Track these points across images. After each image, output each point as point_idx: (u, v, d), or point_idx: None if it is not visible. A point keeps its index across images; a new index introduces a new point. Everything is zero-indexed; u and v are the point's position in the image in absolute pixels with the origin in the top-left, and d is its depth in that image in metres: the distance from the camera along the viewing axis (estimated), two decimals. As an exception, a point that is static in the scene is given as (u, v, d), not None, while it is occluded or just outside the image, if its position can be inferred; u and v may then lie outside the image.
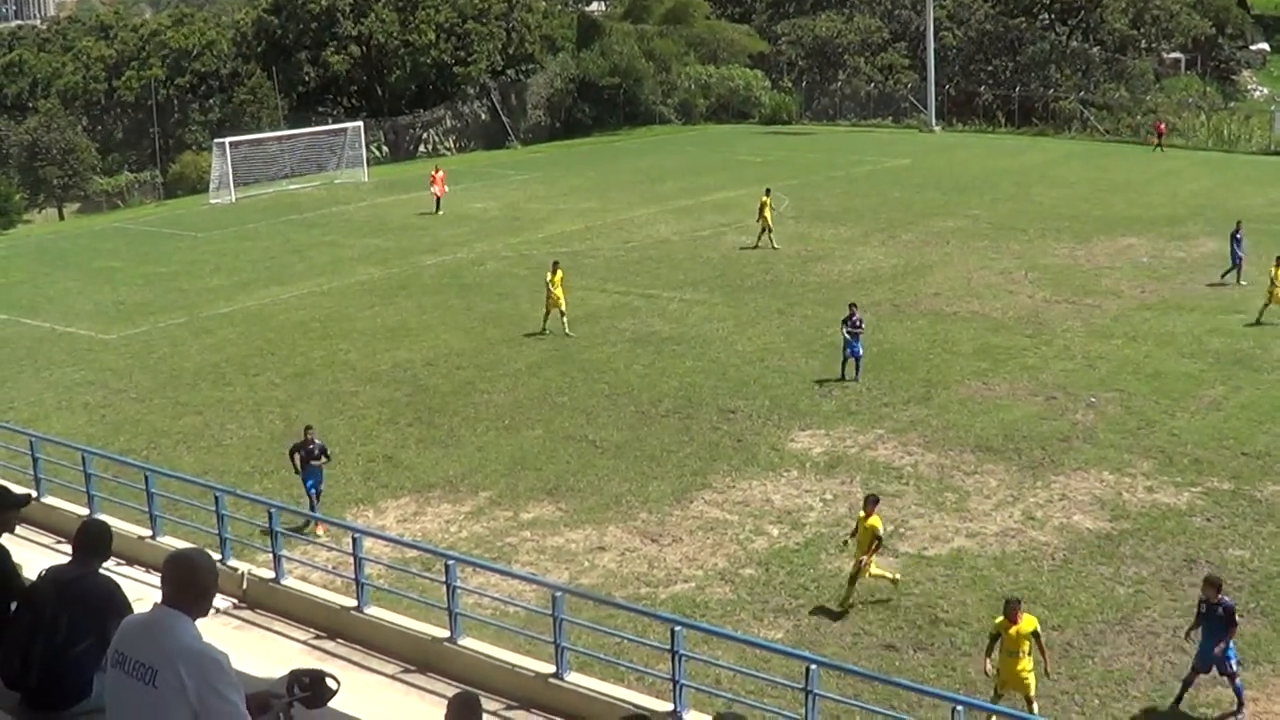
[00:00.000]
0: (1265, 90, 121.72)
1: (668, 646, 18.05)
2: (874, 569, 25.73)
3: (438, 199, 72.13)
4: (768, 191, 60.91)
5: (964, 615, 25.54)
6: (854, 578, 25.75)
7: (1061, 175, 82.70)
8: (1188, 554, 28.33)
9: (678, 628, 18.13)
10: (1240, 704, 21.78)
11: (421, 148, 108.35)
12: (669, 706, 17.85)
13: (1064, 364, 41.70)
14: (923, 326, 46.16)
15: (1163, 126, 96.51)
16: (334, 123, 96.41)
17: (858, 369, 39.75)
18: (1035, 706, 21.55)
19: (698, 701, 18.52)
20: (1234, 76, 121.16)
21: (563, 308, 45.13)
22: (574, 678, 18.80)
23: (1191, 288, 51.70)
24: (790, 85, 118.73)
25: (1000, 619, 21.58)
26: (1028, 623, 21.40)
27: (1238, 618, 21.99)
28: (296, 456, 30.70)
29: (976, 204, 71.54)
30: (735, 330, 46.22)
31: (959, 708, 16.08)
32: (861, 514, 25.90)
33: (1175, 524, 29.86)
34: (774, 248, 58.92)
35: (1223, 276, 51.02)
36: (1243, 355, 42.45)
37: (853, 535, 26.31)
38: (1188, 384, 39.59)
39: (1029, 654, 21.42)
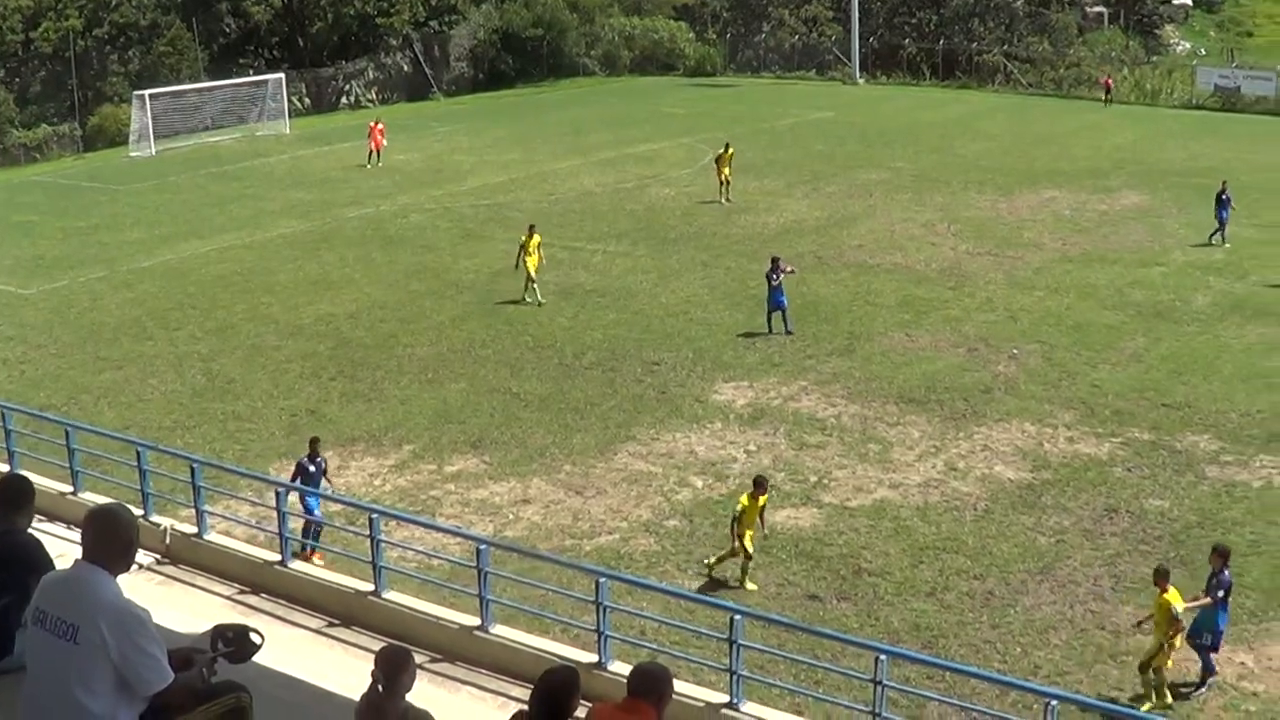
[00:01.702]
0: (1187, 44, 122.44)
1: (592, 598, 18.05)
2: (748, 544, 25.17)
3: (375, 151, 71.55)
4: (727, 146, 60.52)
5: (887, 565, 25.69)
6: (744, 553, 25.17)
7: (985, 128, 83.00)
8: (1108, 504, 28.61)
9: (602, 579, 18.12)
10: (1209, 673, 21.83)
11: (344, 100, 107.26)
12: (594, 658, 17.85)
13: (986, 316, 41.95)
14: (846, 278, 46.29)
15: (1109, 81, 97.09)
16: (255, 74, 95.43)
17: (785, 320, 39.76)
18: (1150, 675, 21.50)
19: (622, 652, 18.52)
20: (1156, 31, 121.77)
21: (532, 274, 43.77)
22: (499, 630, 18.76)
23: (1114, 240, 52.06)
24: (714, 37, 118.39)
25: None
26: (1170, 596, 21.11)
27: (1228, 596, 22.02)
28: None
29: (900, 157, 71.72)
30: (659, 283, 46.20)
31: (882, 657, 16.15)
32: (748, 497, 25.19)
33: (1096, 474, 30.14)
34: (726, 201, 58.80)
35: (1210, 238, 51.13)
36: (1164, 307, 42.83)
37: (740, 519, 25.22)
38: (1109, 336, 39.91)
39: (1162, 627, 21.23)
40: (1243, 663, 22.20)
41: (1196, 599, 21.68)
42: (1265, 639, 22.56)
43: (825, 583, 25.20)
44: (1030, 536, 27.00)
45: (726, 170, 58.77)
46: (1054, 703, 15.06)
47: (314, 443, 27.02)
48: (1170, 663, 21.42)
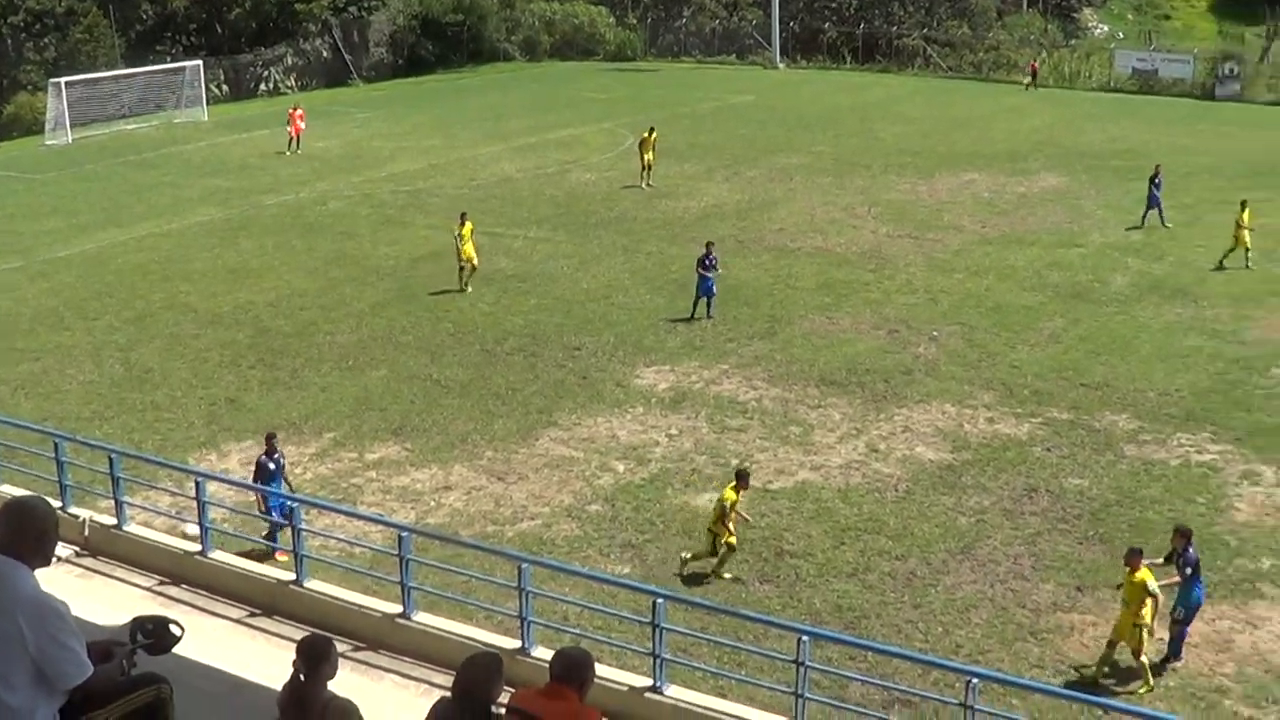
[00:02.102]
0: (1105, 28, 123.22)
1: (515, 584, 18.06)
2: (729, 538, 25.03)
3: (294, 138, 71.06)
4: (650, 129, 60.43)
5: (809, 547, 25.80)
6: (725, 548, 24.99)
7: (904, 111, 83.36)
8: (1028, 483, 28.85)
9: (524, 565, 18.14)
10: (1175, 655, 22.00)
11: (262, 86, 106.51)
12: (517, 643, 17.87)
13: (906, 298, 42.18)
14: (767, 262, 46.40)
15: (1036, 65, 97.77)
16: (173, 61, 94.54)
17: (709, 306, 39.82)
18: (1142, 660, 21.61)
19: (545, 638, 18.56)
20: (1075, 14, 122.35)
21: (475, 262, 43.43)
22: (421, 617, 18.75)
23: (1032, 222, 52.44)
24: (635, 22, 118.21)
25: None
26: (1143, 575, 21.27)
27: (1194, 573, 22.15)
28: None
29: (820, 140, 71.95)
30: (580, 267, 46.16)
31: (804, 638, 16.24)
32: (732, 490, 24.95)
33: (1016, 454, 30.39)
34: (647, 186, 58.73)
35: (1143, 220, 51.50)
36: (1082, 288, 43.20)
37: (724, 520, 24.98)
38: (1028, 317, 40.22)
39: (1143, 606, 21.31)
40: (1161, 638, 22.41)
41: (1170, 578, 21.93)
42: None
43: (747, 565, 25.26)
44: (951, 517, 27.18)
45: (650, 154, 58.71)
46: (975, 680, 15.20)
47: (270, 439, 26.18)
48: (1148, 643, 21.63)
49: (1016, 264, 46.09)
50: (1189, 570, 21.75)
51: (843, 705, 19.65)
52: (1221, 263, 45.15)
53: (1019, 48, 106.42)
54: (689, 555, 25.17)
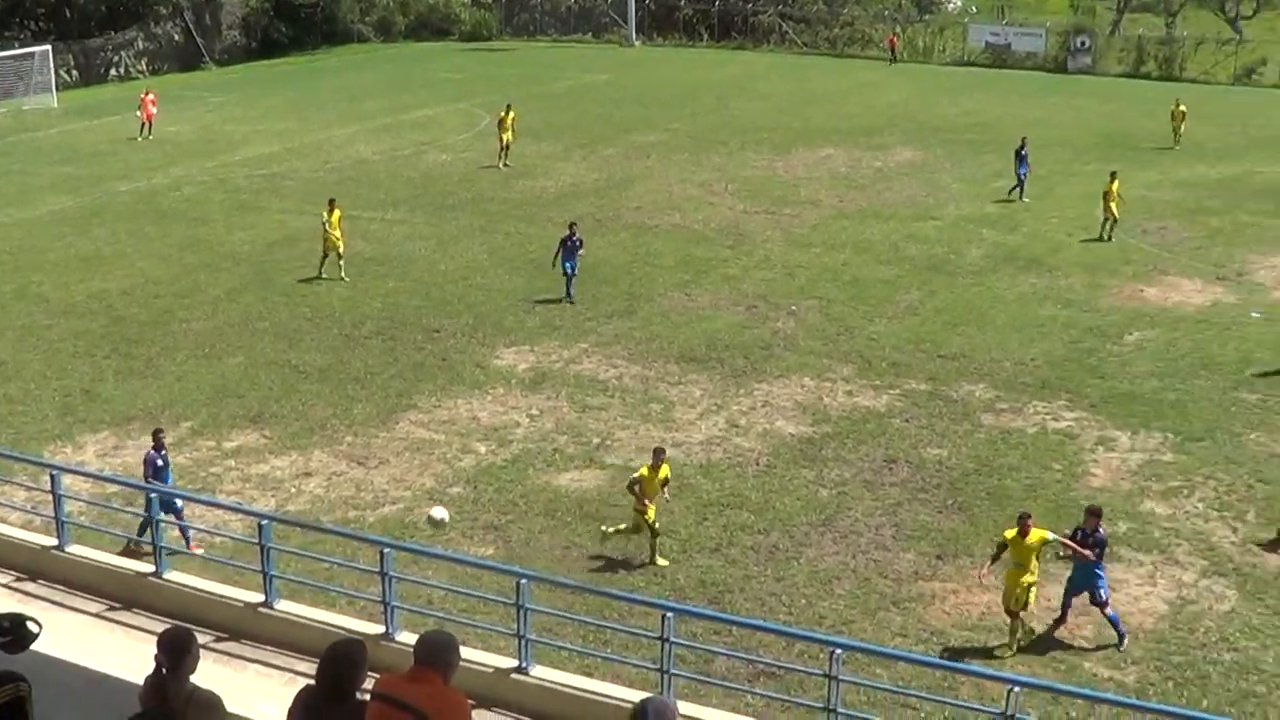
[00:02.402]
0: (959, 2, 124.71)
1: (378, 569, 18.00)
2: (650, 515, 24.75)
3: (146, 123, 69.92)
4: (508, 108, 60.16)
5: (672, 524, 25.84)
6: (648, 529, 24.78)
7: (761, 88, 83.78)
8: (888, 454, 29.19)
9: (386, 550, 18.09)
10: (1121, 636, 22.15)
11: (113, 71, 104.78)
12: (380, 629, 17.83)
13: (764, 273, 42.44)
14: (625, 240, 46.47)
15: (894, 41, 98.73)
16: (20, 47, 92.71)
17: (569, 287, 39.68)
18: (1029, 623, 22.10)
19: (409, 622, 18.52)
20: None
21: (340, 249, 42.43)
22: (284, 605, 18.65)
23: (888, 196, 53.01)
24: (490, 1, 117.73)
25: (1010, 532, 21.91)
26: (1036, 535, 21.68)
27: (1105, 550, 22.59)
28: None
29: (677, 118, 72.13)
30: (438, 249, 45.91)
31: (669, 614, 16.33)
32: (647, 468, 24.82)
33: (875, 426, 30.72)
34: (505, 165, 58.49)
35: (1009, 193, 52.30)
36: (937, 260, 43.76)
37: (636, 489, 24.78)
38: (885, 290, 40.66)
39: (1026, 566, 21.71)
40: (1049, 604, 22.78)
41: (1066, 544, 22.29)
42: (1043, 579, 23.15)
43: (611, 544, 25.32)
44: (812, 489, 27.43)
45: (507, 134, 58.52)
46: (839, 651, 15.38)
47: (157, 434, 25.47)
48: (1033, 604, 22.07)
49: (873, 238, 46.56)
50: (1099, 551, 22.06)
51: (708, 680, 19.76)
52: (1102, 235, 46.00)
53: (874, 23, 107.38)
54: (610, 529, 25.08)
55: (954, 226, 48.20)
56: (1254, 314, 38.92)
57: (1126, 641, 22.05)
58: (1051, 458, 29.16)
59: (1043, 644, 22.11)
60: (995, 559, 22.25)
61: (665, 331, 37.03)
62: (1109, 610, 22.20)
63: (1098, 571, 22.05)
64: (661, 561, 24.62)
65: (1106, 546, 22.44)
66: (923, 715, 20.00)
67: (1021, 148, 52.11)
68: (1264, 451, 29.69)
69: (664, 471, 24.81)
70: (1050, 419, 31.20)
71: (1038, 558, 21.76)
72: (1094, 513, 22.39)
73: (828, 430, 30.52)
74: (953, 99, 78.74)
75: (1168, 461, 29.14)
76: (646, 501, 24.35)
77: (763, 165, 59.20)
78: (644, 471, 24.57)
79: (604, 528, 25.20)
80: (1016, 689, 14.82)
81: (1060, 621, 22.44)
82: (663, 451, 25.22)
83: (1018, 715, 14.64)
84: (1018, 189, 51.84)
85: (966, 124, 69.42)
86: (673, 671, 16.48)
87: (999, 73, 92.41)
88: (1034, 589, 21.79)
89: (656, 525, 24.61)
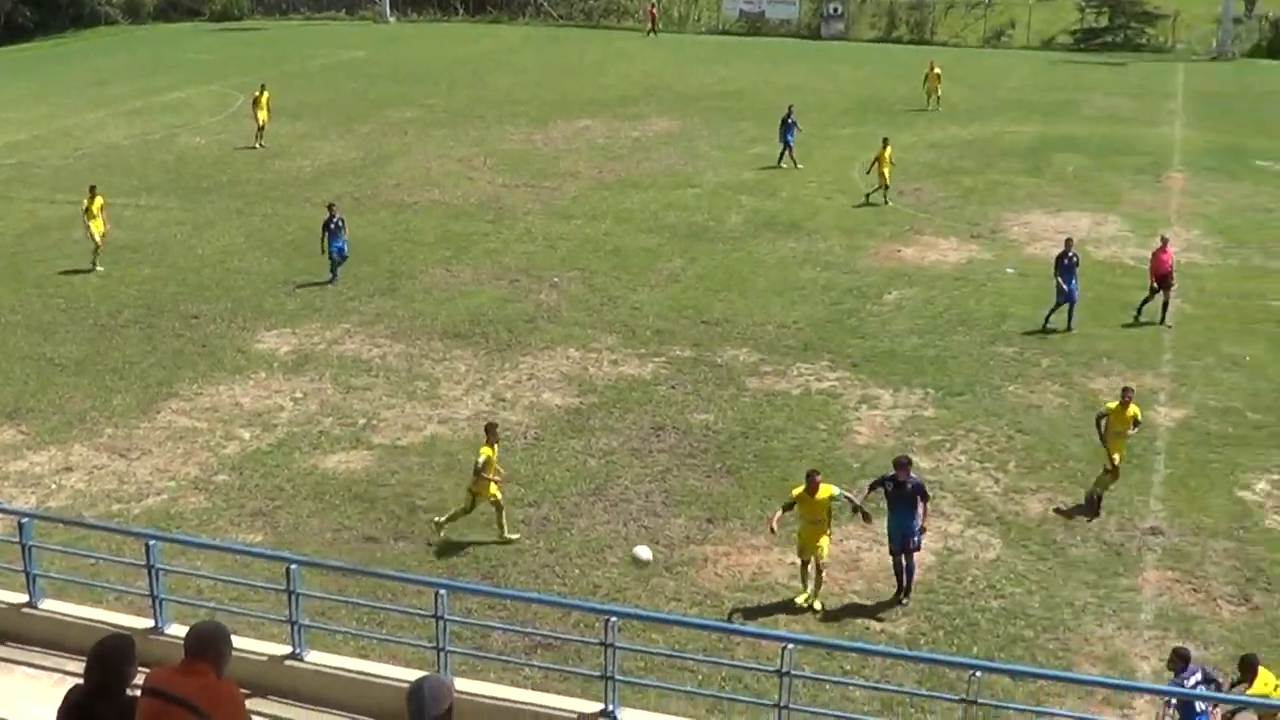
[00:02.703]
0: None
1: (144, 562, 17.66)
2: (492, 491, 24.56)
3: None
4: (262, 87, 59.15)
5: (442, 501, 25.76)
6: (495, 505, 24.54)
7: (517, 61, 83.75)
8: (655, 422, 29.43)
9: (152, 542, 17.73)
10: (908, 590, 22.60)
11: None
12: (150, 623, 17.50)
13: (526, 246, 42.46)
14: (385, 218, 46.11)
15: (654, 11, 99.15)
16: None
17: (334, 269, 39.14)
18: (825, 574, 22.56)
19: (180, 614, 18.16)
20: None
21: (99, 239, 40.92)
22: (49, 604, 18.18)
23: (647, 165, 53.37)
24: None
25: (798, 490, 22.28)
26: (825, 491, 22.17)
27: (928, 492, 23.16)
28: None
29: (433, 93, 71.82)
30: (194, 234, 45.03)
31: (442, 592, 16.28)
32: (488, 446, 24.41)
33: (641, 394, 30.95)
34: (260, 146, 57.63)
35: (780, 161, 52.90)
36: (697, 228, 44.20)
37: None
38: (647, 259, 40.96)
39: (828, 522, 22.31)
40: (793, 562, 23.13)
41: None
42: (787, 543, 23.59)
43: (381, 524, 25.15)
44: (581, 460, 27.53)
45: (263, 114, 57.71)
46: (614, 619, 15.43)
47: None
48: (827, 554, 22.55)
49: (633, 207, 46.86)
50: (921, 496, 22.50)
51: (485, 655, 19.74)
52: (871, 199, 46.96)
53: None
54: (442, 519, 24.78)
55: (713, 194, 48.73)
56: (1008, 270, 39.99)
57: (910, 599, 22.55)
58: (816, 418, 29.67)
59: (827, 602, 22.49)
60: (783, 515, 22.65)
61: (428, 308, 36.86)
62: (915, 560, 22.70)
63: (913, 522, 22.48)
64: (513, 536, 24.50)
65: (926, 490, 22.92)
66: (700, 677, 20.22)
67: (789, 115, 52.88)
68: (1022, 403, 30.60)
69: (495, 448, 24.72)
70: (814, 380, 31.75)
71: (829, 513, 22.30)
72: (901, 464, 22.80)
73: (594, 400, 30.67)
74: (708, 68, 79.52)
75: (929, 416, 29.87)
76: (493, 479, 24.17)
77: (521, 138, 59.22)
78: (487, 450, 24.38)
79: (435, 519, 24.88)
80: (791, 646, 15.02)
81: (904, 589, 22.74)
82: (495, 427, 25.00)
83: (793, 672, 14.84)
84: (788, 155, 52.56)
85: (722, 92, 70.21)
86: (449, 649, 16.41)
87: (754, 40, 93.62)
88: (826, 541, 22.33)
89: (502, 500, 24.45)
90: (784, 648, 14.87)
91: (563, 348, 33.85)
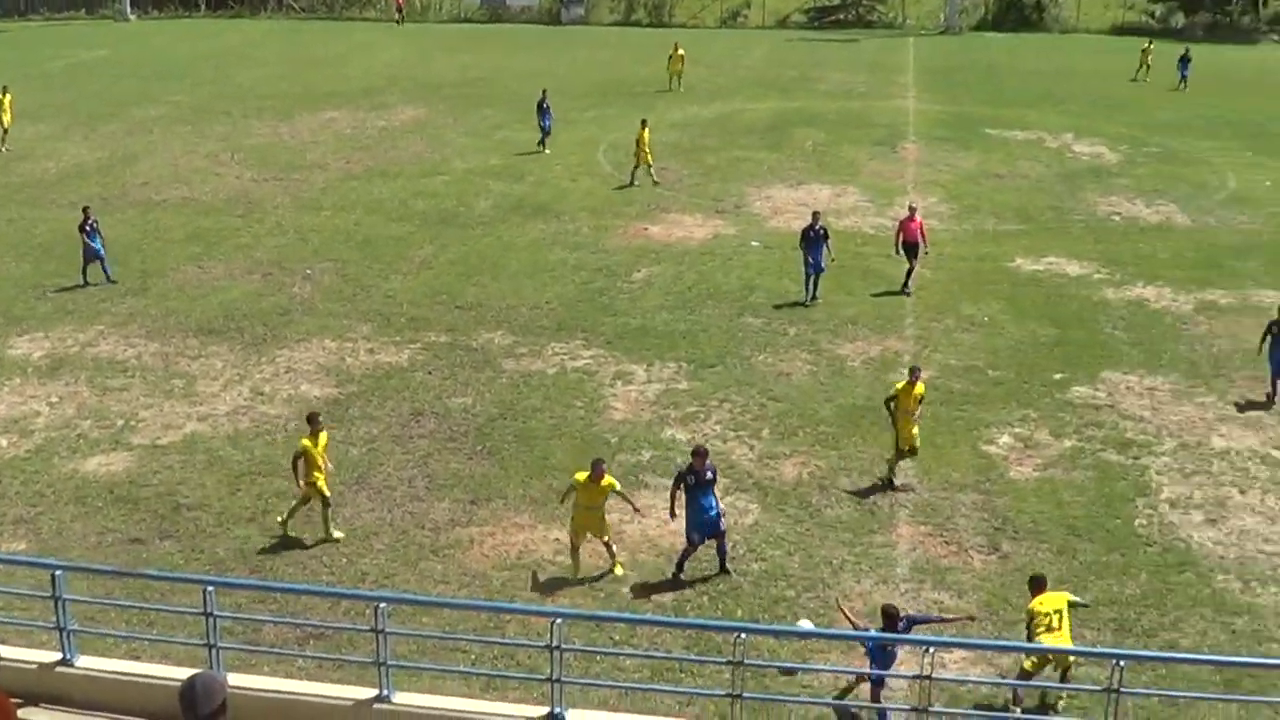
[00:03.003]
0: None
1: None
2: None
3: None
4: (4, 89, 57.21)
5: (205, 498, 25.77)
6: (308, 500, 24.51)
7: (260, 55, 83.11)
8: (414, 407, 29.71)
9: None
10: (725, 561, 23.10)
11: None
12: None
13: (277, 240, 42.33)
14: (133, 217, 45.50)
15: (401, 1, 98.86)
16: None
17: (105, 269, 38.39)
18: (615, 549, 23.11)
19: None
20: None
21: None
22: None
23: (395, 155, 53.47)
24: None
25: (582, 475, 22.60)
26: (608, 481, 22.57)
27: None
28: None
29: (177, 90, 70.87)
30: (-63, 242, 44.06)
31: (209, 588, 16.38)
32: (307, 438, 24.32)
33: (399, 381, 31.18)
34: (5, 150, 55.69)
35: (539, 145, 53.30)
36: (447, 214, 44.51)
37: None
38: (398, 247, 41.13)
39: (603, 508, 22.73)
40: (557, 539, 23.62)
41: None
42: (550, 521, 24.10)
43: (145, 524, 25.01)
44: (343, 449, 27.59)
45: (6, 116, 56.38)
46: (383, 605, 15.71)
47: None
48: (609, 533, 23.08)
49: (383, 196, 46.98)
50: (710, 478, 22.84)
51: (257, 649, 19.89)
52: (634, 180, 47.79)
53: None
54: (283, 516, 24.62)
55: (462, 180, 49.06)
56: (753, 243, 40.94)
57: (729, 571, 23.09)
58: (573, 396, 30.21)
59: (585, 574, 22.97)
60: (565, 497, 23.23)
61: (181, 306, 36.58)
62: (724, 542, 23.14)
63: (715, 508, 22.83)
64: (338, 534, 24.42)
65: (716, 475, 23.30)
66: (473, 658, 20.51)
67: (543, 100, 53.43)
68: (772, 371, 31.49)
69: (323, 439, 24.58)
70: (568, 359, 32.29)
71: (605, 499, 22.70)
72: (699, 453, 23.03)
73: (353, 390, 30.82)
74: (451, 56, 79.78)
75: (683, 389, 30.57)
76: (315, 471, 24.10)
77: (267, 132, 58.87)
78: (305, 442, 24.29)
79: (278, 519, 24.73)
80: (560, 620, 15.43)
81: (722, 568, 23.11)
82: (317, 416, 24.88)
83: (564, 645, 15.26)
84: (543, 139, 53.14)
85: (466, 79, 70.56)
86: (220, 645, 16.50)
87: (496, 28, 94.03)
88: (605, 522, 22.84)
89: (329, 495, 24.35)
90: (553, 622, 15.31)
91: (319, 339, 33.90)
